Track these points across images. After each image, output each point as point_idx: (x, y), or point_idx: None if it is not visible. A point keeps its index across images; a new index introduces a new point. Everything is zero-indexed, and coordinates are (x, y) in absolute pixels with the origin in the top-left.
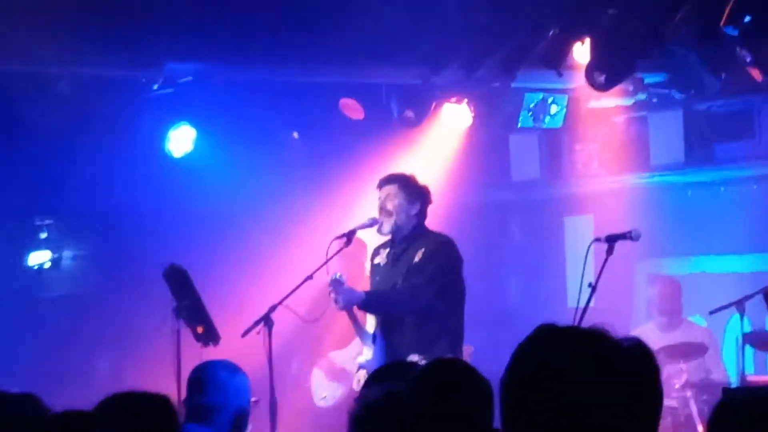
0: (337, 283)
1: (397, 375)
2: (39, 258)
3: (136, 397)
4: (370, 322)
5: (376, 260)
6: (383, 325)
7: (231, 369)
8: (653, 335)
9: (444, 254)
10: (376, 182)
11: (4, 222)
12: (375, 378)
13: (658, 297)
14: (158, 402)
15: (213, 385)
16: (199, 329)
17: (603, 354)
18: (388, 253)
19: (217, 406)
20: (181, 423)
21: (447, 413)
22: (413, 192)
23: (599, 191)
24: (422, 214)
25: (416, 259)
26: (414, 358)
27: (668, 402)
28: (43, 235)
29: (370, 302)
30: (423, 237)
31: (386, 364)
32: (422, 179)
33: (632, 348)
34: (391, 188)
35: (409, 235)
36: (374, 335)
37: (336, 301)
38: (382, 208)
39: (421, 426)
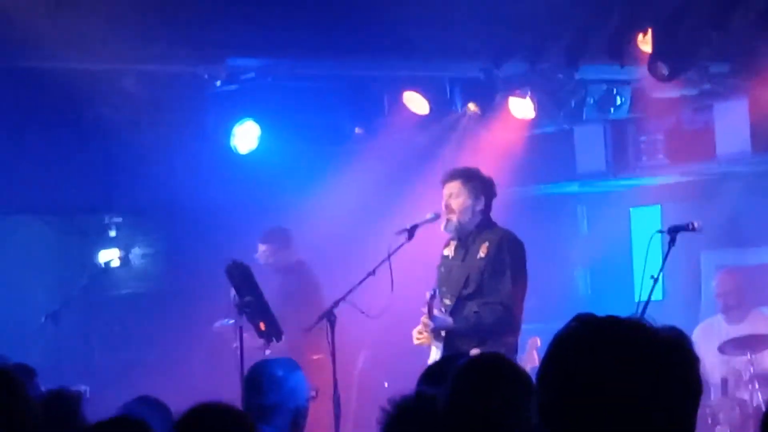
0: (431, 303)
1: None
2: (108, 256)
3: (221, 412)
4: None
5: (446, 251)
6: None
7: (288, 367)
8: (720, 327)
9: (509, 252)
10: (439, 176)
11: (74, 219)
12: (426, 376)
13: (722, 290)
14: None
15: (270, 384)
16: (262, 326)
17: (639, 342)
18: (457, 246)
19: (275, 406)
20: None
21: (487, 409)
22: (477, 187)
23: (665, 182)
24: (487, 208)
25: (481, 254)
26: (474, 351)
27: (738, 394)
28: (113, 233)
29: (460, 328)
30: (487, 231)
31: (434, 363)
32: (487, 172)
33: (670, 337)
34: (454, 185)
35: (474, 230)
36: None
37: (426, 324)
38: (447, 206)
39: (461, 422)
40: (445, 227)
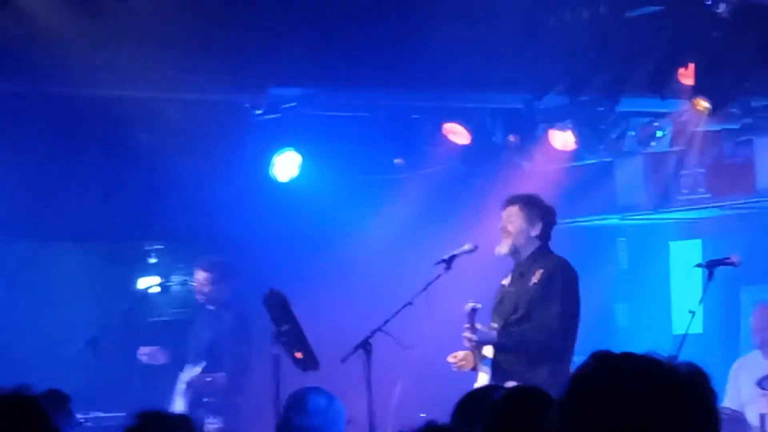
0: (473, 316)
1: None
2: (148, 282)
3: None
4: (488, 348)
5: (504, 281)
6: (495, 349)
7: (328, 395)
8: (758, 362)
9: (562, 279)
10: (479, 207)
11: (115, 246)
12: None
13: (759, 325)
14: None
15: (316, 407)
16: (298, 355)
17: (656, 378)
18: (513, 276)
19: (317, 428)
20: None
21: None
22: (535, 213)
23: (706, 216)
24: (544, 235)
25: (534, 280)
26: (510, 383)
27: None
28: (153, 260)
29: (503, 343)
30: (542, 258)
31: (468, 394)
32: (547, 200)
33: (687, 372)
34: (513, 209)
35: (530, 257)
36: (490, 359)
37: (470, 340)
38: (503, 229)
39: None
40: (499, 249)
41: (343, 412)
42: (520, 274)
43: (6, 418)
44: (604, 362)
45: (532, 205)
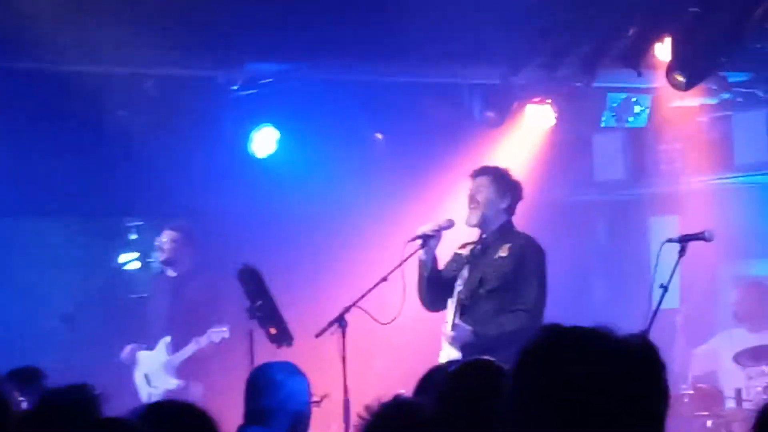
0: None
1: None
2: (127, 258)
3: (181, 408)
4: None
5: (460, 250)
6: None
7: (288, 371)
8: (742, 338)
9: (535, 259)
10: (457, 183)
11: (94, 222)
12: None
13: (739, 302)
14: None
15: (269, 388)
16: (272, 330)
17: (606, 350)
18: (474, 247)
19: (272, 410)
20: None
21: (477, 416)
22: (504, 186)
23: (684, 191)
24: (511, 210)
25: (501, 254)
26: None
27: (749, 405)
28: (133, 236)
29: (482, 344)
30: (509, 234)
31: (429, 371)
32: (516, 175)
33: (636, 344)
34: (483, 180)
35: (496, 231)
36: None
37: (453, 339)
38: (472, 198)
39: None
40: (468, 219)
41: (304, 387)
42: (485, 246)
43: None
44: (553, 335)
45: (501, 177)
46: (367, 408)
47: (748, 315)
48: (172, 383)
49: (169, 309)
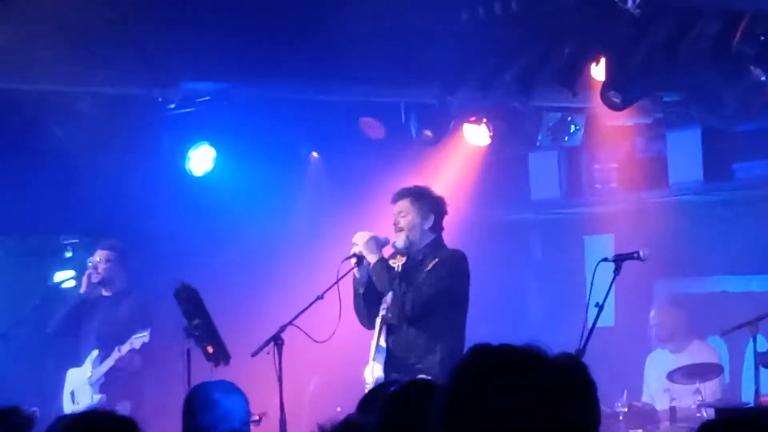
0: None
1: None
2: (63, 276)
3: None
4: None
5: (391, 261)
6: (387, 337)
7: (226, 390)
8: (667, 357)
9: (454, 264)
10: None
11: (29, 240)
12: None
13: (658, 324)
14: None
15: (206, 406)
16: (210, 349)
17: (534, 368)
18: (404, 263)
19: (211, 428)
20: None
21: None
22: (426, 205)
23: (619, 210)
24: (437, 226)
25: (429, 267)
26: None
27: (683, 424)
28: (68, 254)
29: (380, 267)
30: (438, 250)
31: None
32: (437, 190)
33: (565, 362)
34: (403, 204)
35: (425, 249)
36: (383, 348)
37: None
38: (396, 224)
39: None
40: (395, 244)
41: (240, 405)
42: (413, 265)
43: None
44: (483, 354)
45: (422, 197)
46: (320, 428)
47: (668, 336)
48: (95, 398)
49: (101, 328)
